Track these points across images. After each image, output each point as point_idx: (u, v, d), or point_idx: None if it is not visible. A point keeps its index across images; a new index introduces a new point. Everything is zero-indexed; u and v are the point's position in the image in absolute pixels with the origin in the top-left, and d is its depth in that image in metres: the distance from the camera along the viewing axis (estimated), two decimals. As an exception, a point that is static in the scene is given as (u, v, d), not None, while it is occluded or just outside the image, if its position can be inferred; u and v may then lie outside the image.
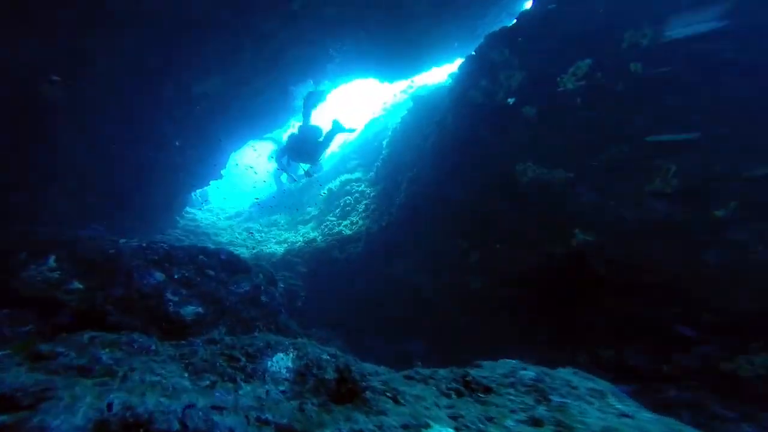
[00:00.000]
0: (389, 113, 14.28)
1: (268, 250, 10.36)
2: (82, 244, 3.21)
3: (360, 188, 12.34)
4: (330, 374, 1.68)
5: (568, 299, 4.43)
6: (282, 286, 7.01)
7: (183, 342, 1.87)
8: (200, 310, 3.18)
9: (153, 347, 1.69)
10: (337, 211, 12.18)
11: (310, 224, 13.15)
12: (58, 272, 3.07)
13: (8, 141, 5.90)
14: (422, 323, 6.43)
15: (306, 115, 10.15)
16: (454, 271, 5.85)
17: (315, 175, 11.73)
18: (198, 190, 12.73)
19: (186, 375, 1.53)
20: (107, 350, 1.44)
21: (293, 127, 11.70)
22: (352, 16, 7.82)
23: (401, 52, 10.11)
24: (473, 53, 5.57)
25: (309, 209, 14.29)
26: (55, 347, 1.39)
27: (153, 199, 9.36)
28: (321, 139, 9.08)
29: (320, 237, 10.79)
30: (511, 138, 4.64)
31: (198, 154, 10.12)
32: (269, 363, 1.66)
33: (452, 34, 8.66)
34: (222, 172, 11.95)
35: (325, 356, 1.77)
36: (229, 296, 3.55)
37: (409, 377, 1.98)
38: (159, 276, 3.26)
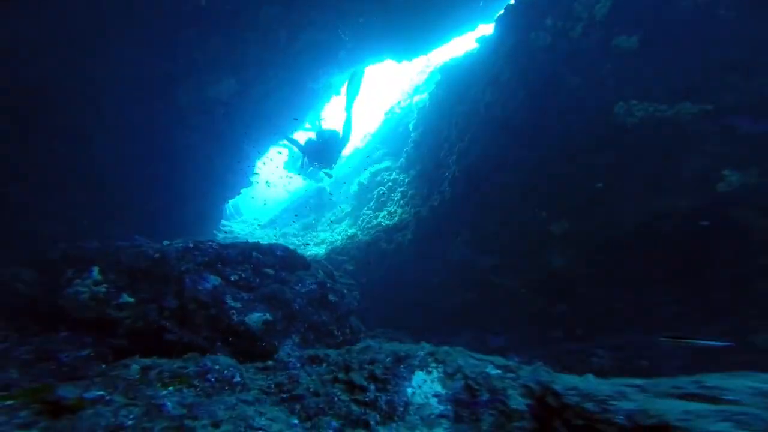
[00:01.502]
0: (410, 96, 13.46)
1: (309, 253, 9.90)
2: (125, 252, 2.70)
3: (391, 176, 11.64)
4: (517, 402, 0.97)
5: (696, 268, 3.49)
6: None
7: (271, 363, 1.23)
8: (268, 316, 2.59)
9: (237, 377, 1.05)
10: (371, 203, 11.56)
11: (346, 221, 12.62)
12: (105, 285, 2.57)
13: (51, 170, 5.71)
14: (496, 311, 5.63)
15: (319, 126, 9.65)
16: (529, 248, 5.01)
17: (333, 177, 11.37)
18: (231, 201, 12.53)
19: (296, 421, 0.87)
20: (171, 389, 0.81)
21: (308, 131, 11.43)
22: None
23: (417, 23, 9.27)
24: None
25: (342, 207, 13.77)
26: (85, 391, 0.77)
27: (189, 213, 9.15)
28: (339, 138, 8.89)
29: (360, 232, 10.20)
30: (603, 76, 3.73)
31: (225, 163, 9.82)
32: (409, 390, 1.00)
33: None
34: (251, 179, 11.66)
35: (491, 370, 1.06)
36: (295, 297, 2.95)
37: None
38: (214, 280, 2.70)
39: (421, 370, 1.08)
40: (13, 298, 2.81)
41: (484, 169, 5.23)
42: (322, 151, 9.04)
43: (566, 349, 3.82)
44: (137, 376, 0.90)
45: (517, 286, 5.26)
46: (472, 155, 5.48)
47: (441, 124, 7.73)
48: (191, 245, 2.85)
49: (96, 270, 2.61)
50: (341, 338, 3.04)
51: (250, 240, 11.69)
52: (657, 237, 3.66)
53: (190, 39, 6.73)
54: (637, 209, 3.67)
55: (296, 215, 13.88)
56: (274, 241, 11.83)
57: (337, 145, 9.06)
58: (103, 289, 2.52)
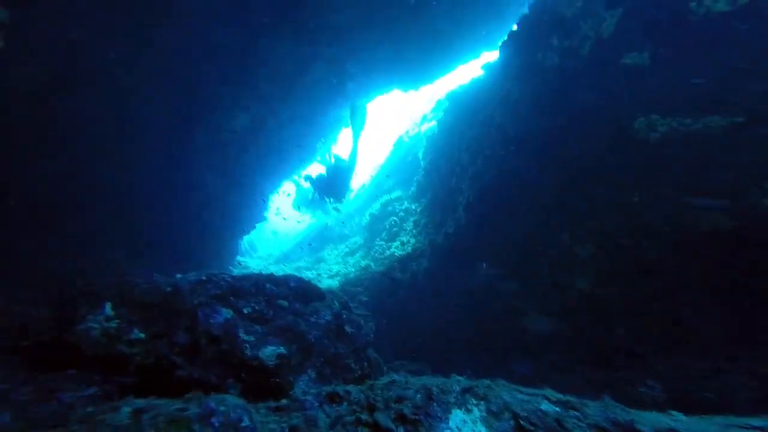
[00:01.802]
0: (419, 125, 13.82)
1: (323, 286, 9.71)
2: (139, 287, 2.65)
3: (403, 206, 11.64)
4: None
5: (739, 287, 3.18)
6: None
7: (285, 402, 1.10)
8: (282, 350, 2.43)
9: (245, 421, 0.92)
10: (383, 234, 11.48)
11: (359, 253, 12.49)
12: (116, 321, 2.50)
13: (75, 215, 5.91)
14: (520, 338, 5.24)
15: (356, 133, 9.89)
16: (552, 271, 4.76)
17: (341, 211, 11.48)
18: (245, 237, 12.67)
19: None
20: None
21: (320, 163, 11.82)
22: (364, 20, 7.52)
23: (423, 53, 9.71)
24: (527, 14, 4.88)
25: (353, 239, 13.73)
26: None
27: (206, 251, 9.23)
28: (346, 167, 9.10)
29: (373, 263, 10.03)
30: (618, 92, 3.73)
31: (239, 199, 10.05)
32: (447, 433, 0.84)
33: (479, 22, 8.12)
34: (264, 214, 11.84)
35: (546, 406, 0.91)
36: (310, 330, 2.79)
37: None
38: (226, 313, 2.59)
39: (459, 408, 0.92)
40: (25, 337, 2.76)
41: (499, 191, 5.14)
42: (333, 185, 9.19)
43: (606, 378, 3.44)
44: (127, 420, 0.79)
45: (540, 311, 4.93)
46: (486, 178, 5.43)
47: (451, 150, 7.80)
48: (204, 278, 2.79)
49: (108, 305, 2.55)
50: (359, 372, 2.82)
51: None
52: (693, 256, 3.41)
53: (207, 76, 7.15)
54: (668, 226, 3.46)
55: (310, 244, 13.84)
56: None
57: (345, 177, 9.24)
58: (114, 325, 2.44)
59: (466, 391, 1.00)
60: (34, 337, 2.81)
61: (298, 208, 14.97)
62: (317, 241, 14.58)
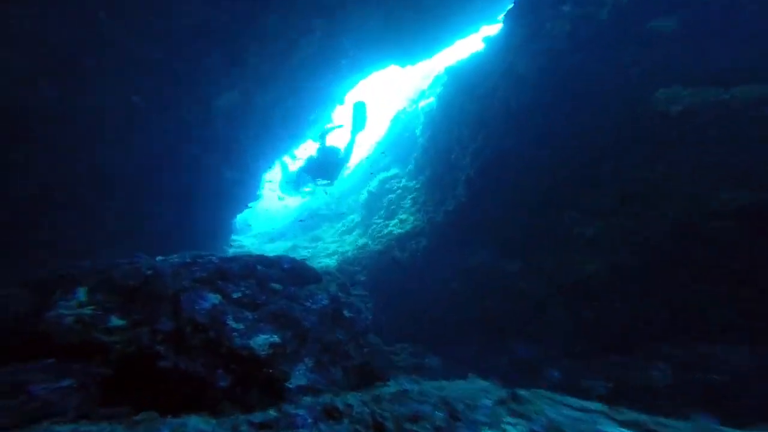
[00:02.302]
0: (416, 101, 13.26)
1: (319, 265, 9.57)
2: (117, 270, 2.40)
3: (401, 183, 11.32)
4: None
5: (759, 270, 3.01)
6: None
7: (273, 416, 0.87)
8: (275, 338, 2.23)
9: None
10: (381, 212, 11.23)
11: (356, 231, 12.29)
12: (92, 306, 2.26)
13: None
14: (523, 321, 5.15)
15: (322, 142, 9.71)
16: (557, 251, 4.58)
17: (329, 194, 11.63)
18: (239, 216, 12.36)
19: None
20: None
21: (308, 148, 11.62)
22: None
23: (420, 27, 9.11)
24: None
25: (351, 217, 13.48)
26: None
27: (199, 230, 8.95)
28: (341, 157, 9.25)
29: (371, 241, 9.86)
30: (636, 62, 3.38)
31: (232, 177, 9.66)
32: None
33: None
34: (258, 192, 11.49)
35: (610, 428, 0.68)
36: (307, 315, 2.59)
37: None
38: (213, 298, 2.36)
39: (493, 429, 0.70)
40: (-5, 324, 2.50)
41: (501, 168, 4.86)
42: (324, 168, 9.22)
43: (615, 362, 3.35)
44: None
45: (546, 293, 4.80)
46: (487, 154, 5.12)
47: (450, 126, 7.43)
48: (189, 260, 2.53)
49: (82, 290, 2.30)
50: (359, 359, 2.66)
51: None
52: (710, 237, 3.22)
53: (192, 52, 6.62)
54: (686, 205, 3.24)
55: (302, 221, 13.59)
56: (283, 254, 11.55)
57: (338, 163, 9.24)
58: (89, 312, 2.20)
59: (499, 404, 0.79)
60: (7, 323, 2.58)
61: (283, 189, 14.66)
62: (313, 219, 14.33)
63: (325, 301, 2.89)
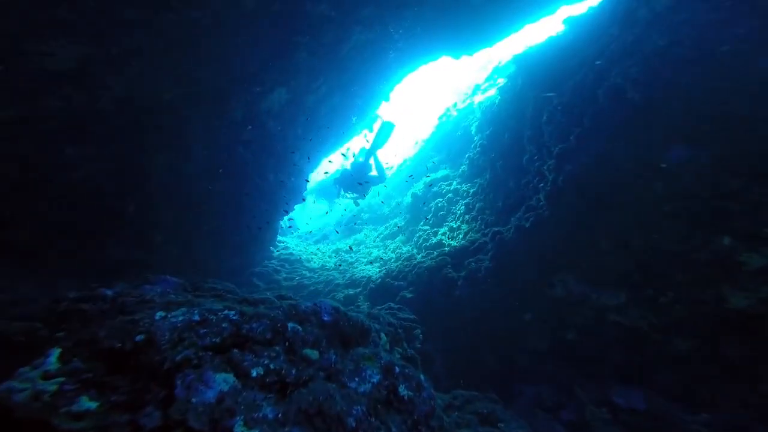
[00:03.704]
0: (470, 96, 11.90)
1: (361, 274, 8.85)
2: (104, 328, 1.73)
3: (451, 187, 10.18)
4: None
5: None
6: (395, 321, 5.18)
7: None
8: (304, 467, 1.40)
9: None
10: (428, 217, 10.21)
11: (399, 237, 11.42)
12: (61, 378, 1.61)
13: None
14: (629, 364, 3.88)
15: (375, 146, 9.87)
16: (692, 282, 3.25)
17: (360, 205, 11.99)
18: (285, 218, 12.15)
19: None
20: None
21: (348, 156, 11.67)
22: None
23: (480, 11, 7.83)
24: None
25: (394, 221, 12.63)
26: None
27: (246, 232, 8.73)
28: (371, 175, 9.40)
29: (416, 251, 8.91)
30: None
31: (279, 179, 9.30)
32: None
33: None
34: (304, 194, 11.10)
35: None
36: (351, 406, 1.73)
37: None
38: (221, 382, 1.60)
39: None
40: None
41: (604, 175, 3.61)
42: (354, 181, 9.41)
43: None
44: None
45: (654, 328, 3.49)
46: (583, 159, 3.88)
47: (520, 123, 6.16)
48: (197, 318, 1.80)
49: (55, 354, 1.66)
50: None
51: (304, 255, 11.06)
52: None
53: (238, 47, 6.15)
54: None
55: (337, 231, 13.09)
56: (324, 257, 11.06)
57: (369, 181, 9.46)
58: (53, 388, 1.54)
59: None
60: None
61: (316, 195, 14.69)
62: (355, 222, 13.73)
63: (377, 377, 2.01)
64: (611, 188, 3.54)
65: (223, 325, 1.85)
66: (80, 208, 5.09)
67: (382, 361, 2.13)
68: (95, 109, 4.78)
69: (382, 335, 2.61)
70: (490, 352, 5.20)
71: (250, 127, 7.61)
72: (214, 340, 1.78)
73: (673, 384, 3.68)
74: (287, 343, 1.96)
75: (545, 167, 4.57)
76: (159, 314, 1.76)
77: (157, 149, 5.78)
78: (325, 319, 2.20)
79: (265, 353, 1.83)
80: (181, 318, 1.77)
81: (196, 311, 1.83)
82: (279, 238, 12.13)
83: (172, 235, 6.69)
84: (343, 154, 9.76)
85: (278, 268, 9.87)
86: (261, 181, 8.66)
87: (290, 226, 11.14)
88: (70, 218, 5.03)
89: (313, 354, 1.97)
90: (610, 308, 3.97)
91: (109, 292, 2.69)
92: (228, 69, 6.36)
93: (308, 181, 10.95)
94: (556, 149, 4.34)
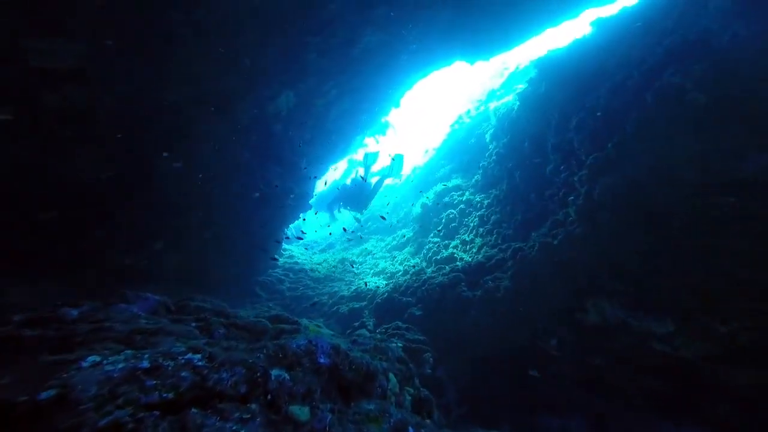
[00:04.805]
0: (484, 103, 11.46)
1: (367, 287, 8.31)
2: (15, 372, 1.26)
3: (464, 197, 9.64)
4: None
5: None
6: (400, 345, 4.63)
7: None
8: None
9: None
10: (438, 230, 9.67)
11: (407, 248, 10.87)
12: None
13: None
14: (665, 391, 3.26)
15: (366, 172, 10.12)
16: (750, 311, 2.67)
17: (362, 223, 12.28)
18: (291, 225, 11.74)
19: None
20: None
21: (353, 174, 11.74)
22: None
23: (497, 14, 7.44)
24: None
25: (401, 231, 12.11)
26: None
27: (253, 239, 8.32)
28: (368, 193, 9.57)
29: (426, 264, 8.34)
30: None
31: (285, 186, 8.92)
32: None
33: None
34: (311, 201, 10.68)
35: None
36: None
37: None
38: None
39: None
40: None
41: (654, 189, 3.06)
42: (354, 199, 9.61)
43: None
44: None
45: (707, 359, 2.88)
46: (627, 169, 3.34)
47: (543, 130, 5.65)
48: (145, 364, 1.31)
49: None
50: None
51: (308, 265, 10.60)
52: None
53: (247, 47, 5.82)
54: None
55: (350, 239, 12.62)
56: (330, 267, 10.56)
57: (367, 197, 9.59)
58: None
59: None
60: None
61: (317, 206, 14.60)
62: (362, 232, 13.25)
63: (388, 448, 1.47)
64: (664, 203, 2.99)
65: (182, 374, 1.35)
66: (79, 212, 4.74)
67: (392, 420, 1.60)
68: (95, 110, 4.45)
69: (391, 376, 2.08)
70: (508, 379, 4.59)
71: (256, 131, 7.27)
72: (165, 395, 1.29)
73: (728, 417, 3.06)
74: (269, 397, 1.45)
75: (575, 178, 4.04)
76: (91, 359, 1.28)
77: (159, 153, 5.42)
78: (322, 361, 1.69)
79: (236, 414, 1.33)
80: (121, 365, 1.28)
81: (146, 355, 1.34)
82: (284, 246, 11.70)
83: (173, 242, 6.31)
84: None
85: (282, 277, 9.40)
86: (266, 187, 8.28)
87: (299, 237, 10.75)
88: (67, 223, 4.67)
89: (302, 413, 1.46)
90: (653, 336, 3.37)
91: (73, 313, 2.25)
92: (235, 70, 6.03)
93: (317, 184, 10.66)
94: (590, 159, 3.81)
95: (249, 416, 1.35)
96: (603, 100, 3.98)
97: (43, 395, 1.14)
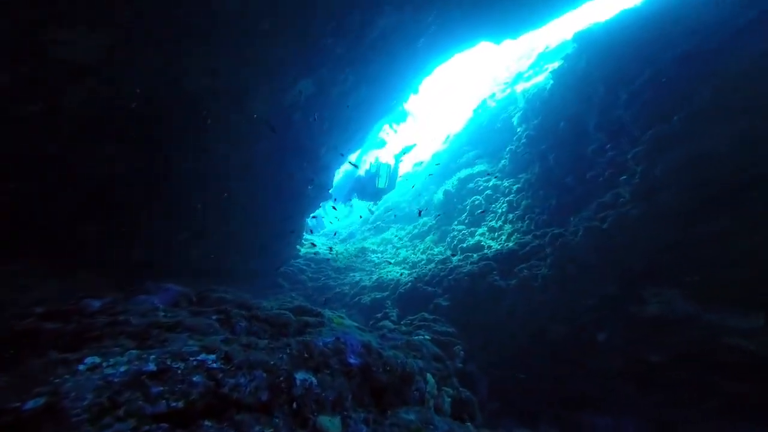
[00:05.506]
0: (510, 85, 10.73)
1: (389, 276, 8.09)
2: (16, 373, 1.08)
3: (490, 183, 9.12)
4: None
5: None
6: (428, 338, 4.36)
7: None
8: None
9: None
10: (463, 216, 9.24)
11: (429, 237, 10.51)
12: None
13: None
14: (743, 391, 2.82)
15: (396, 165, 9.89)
16: None
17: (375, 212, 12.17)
18: (312, 215, 11.68)
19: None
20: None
21: (364, 162, 11.60)
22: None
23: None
24: None
25: (423, 219, 11.75)
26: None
27: (275, 229, 8.30)
28: (382, 186, 9.44)
29: (451, 252, 7.99)
30: None
31: (305, 176, 8.77)
32: None
33: None
34: (330, 191, 10.53)
35: None
36: None
37: None
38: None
39: None
40: None
41: (736, 164, 2.55)
42: (368, 188, 9.40)
43: None
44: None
45: None
46: (701, 142, 2.83)
47: (583, 109, 5.07)
48: (152, 367, 1.11)
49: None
50: None
51: (330, 256, 10.51)
52: None
53: (262, 35, 5.58)
54: None
55: (372, 228, 12.41)
56: (351, 258, 10.42)
57: (380, 191, 9.33)
58: None
59: None
60: None
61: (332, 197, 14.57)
62: (382, 220, 13.00)
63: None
64: (750, 181, 2.50)
65: (194, 378, 1.14)
66: (103, 206, 4.76)
67: (438, 429, 1.33)
68: (115, 103, 4.38)
69: (429, 377, 1.81)
70: (547, 374, 4.24)
71: (273, 121, 7.11)
72: (174, 404, 1.08)
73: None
74: (294, 405, 1.22)
75: (629, 156, 3.53)
76: (90, 361, 1.08)
77: (178, 146, 5.35)
78: (352, 362, 1.44)
79: (256, 428, 1.10)
80: (123, 368, 1.08)
81: (152, 356, 1.13)
82: (305, 236, 11.67)
83: (195, 234, 6.31)
84: (352, 163, 9.53)
85: (304, 267, 9.36)
86: (286, 178, 8.16)
87: (321, 226, 10.68)
88: (93, 217, 4.70)
89: (333, 425, 1.22)
90: (729, 331, 2.91)
91: (96, 304, 2.14)
92: (253, 59, 5.82)
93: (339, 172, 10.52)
94: (648, 134, 3.29)
95: (271, 431, 1.12)
96: (668, 70, 3.41)
97: (29, 404, 0.96)
